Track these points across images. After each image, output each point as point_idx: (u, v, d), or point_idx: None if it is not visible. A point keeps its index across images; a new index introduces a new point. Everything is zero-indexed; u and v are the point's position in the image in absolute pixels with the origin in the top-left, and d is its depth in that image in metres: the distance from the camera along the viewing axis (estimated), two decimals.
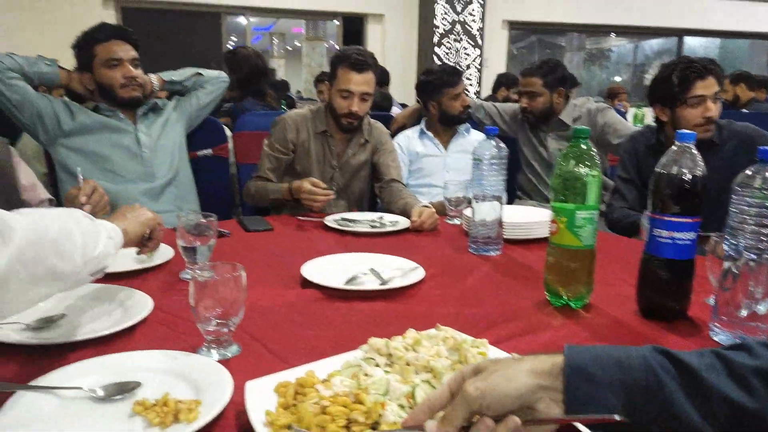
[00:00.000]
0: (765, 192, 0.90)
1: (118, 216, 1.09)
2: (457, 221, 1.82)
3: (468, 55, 6.92)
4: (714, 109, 1.84)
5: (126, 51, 1.96)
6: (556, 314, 1.06)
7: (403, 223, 1.75)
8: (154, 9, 6.36)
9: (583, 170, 1.07)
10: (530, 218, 1.64)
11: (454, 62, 6.84)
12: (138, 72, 2.00)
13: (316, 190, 1.83)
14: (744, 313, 0.92)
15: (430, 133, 2.62)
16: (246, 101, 3.05)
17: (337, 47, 7.54)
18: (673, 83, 1.85)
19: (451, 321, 0.91)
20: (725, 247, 1.02)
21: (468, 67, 6.92)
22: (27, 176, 1.61)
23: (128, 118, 2.03)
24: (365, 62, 1.99)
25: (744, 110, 4.46)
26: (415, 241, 1.62)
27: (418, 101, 2.81)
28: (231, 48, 3.23)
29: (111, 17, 6.03)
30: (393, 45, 7.11)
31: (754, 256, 0.90)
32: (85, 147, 1.95)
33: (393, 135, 2.59)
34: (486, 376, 0.57)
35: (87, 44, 1.95)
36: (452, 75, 2.59)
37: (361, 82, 1.99)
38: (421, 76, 2.68)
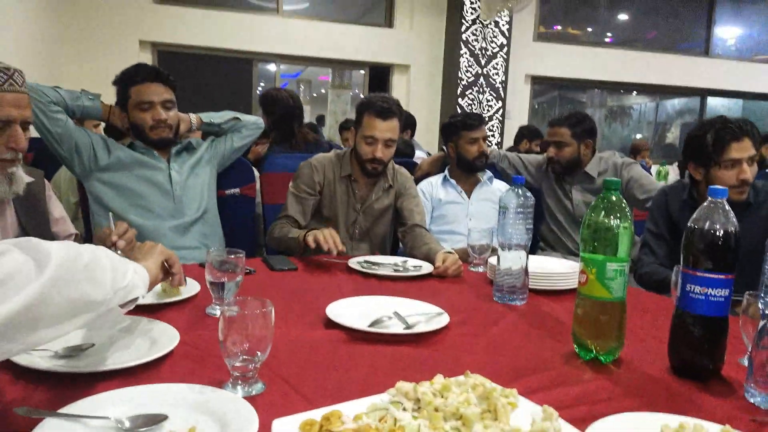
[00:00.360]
0: None
1: (132, 260, 1.10)
2: (480, 269, 1.81)
3: (491, 107, 7.03)
4: (749, 172, 1.82)
5: (159, 93, 2.01)
6: (585, 368, 1.04)
7: (426, 267, 1.75)
8: (189, 54, 6.60)
9: (614, 221, 1.07)
10: (556, 269, 1.63)
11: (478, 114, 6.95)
12: (170, 114, 2.04)
13: (336, 240, 1.75)
14: None
15: (453, 181, 2.65)
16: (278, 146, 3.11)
17: (362, 95, 7.71)
18: (707, 143, 1.84)
19: (478, 369, 0.90)
20: (760, 305, 1.00)
21: (490, 118, 7.02)
22: (58, 209, 1.65)
23: (162, 156, 2.08)
24: (390, 110, 2.04)
25: None
26: (439, 286, 1.61)
27: (441, 149, 2.85)
28: (265, 91, 3.30)
29: (147, 59, 6.26)
30: (417, 95, 7.26)
31: None
32: (119, 182, 2.00)
33: (417, 182, 2.62)
34: None
35: (124, 84, 2.02)
36: (473, 119, 2.65)
37: (385, 128, 2.03)
38: (442, 125, 2.74)
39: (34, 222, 1.50)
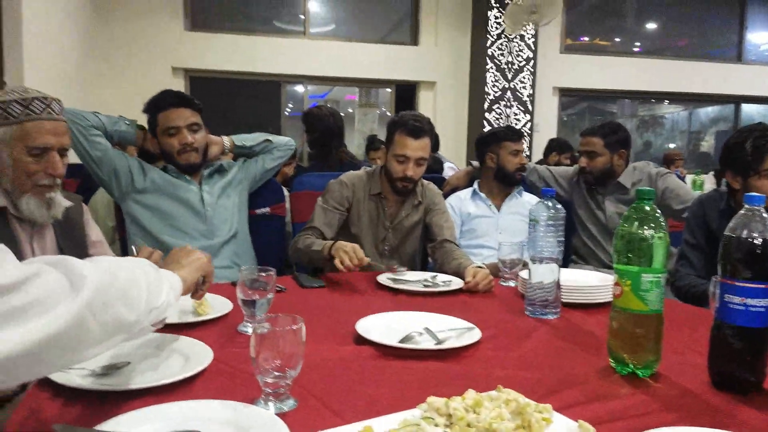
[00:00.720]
0: None
1: (173, 261, 1.09)
2: (511, 283, 1.79)
3: (518, 120, 6.99)
4: None
5: (185, 117, 2.05)
6: (622, 382, 1.01)
7: (456, 283, 1.74)
8: (219, 78, 6.76)
9: (647, 232, 1.05)
10: (589, 282, 1.60)
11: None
12: (197, 137, 2.08)
13: (360, 255, 1.71)
14: None
15: (482, 194, 2.63)
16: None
17: (388, 113, 7.77)
18: (746, 152, 1.79)
19: (510, 384, 0.88)
20: None
21: (524, 129, 6.99)
22: (95, 232, 1.69)
23: (194, 178, 2.13)
24: (422, 128, 2.04)
25: None
26: (469, 301, 1.60)
27: (469, 164, 2.84)
28: (308, 109, 3.34)
29: (179, 84, 6.44)
30: (444, 111, 7.27)
31: None
32: (154, 204, 2.05)
33: (445, 197, 2.61)
34: None
35: (152, 112, 2.08)
36: (515, 132, 2.65)
37: (417, 147, 2.03)
38: (484, 132, 2.73)
39: (72, 245, 1.55)
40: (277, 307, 1.33)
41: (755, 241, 0.94)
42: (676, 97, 8.35)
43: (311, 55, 6.89)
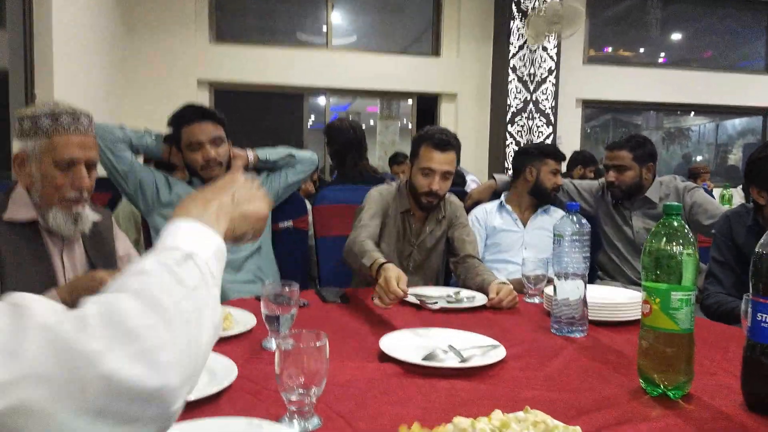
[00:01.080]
0: None
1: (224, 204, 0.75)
2: (537, 300, 1.77)
3: (541, 133, 6.94)
4: None
5: (207, 132, 2.06)
6: (653, 404, 0.99)
7: (480, 299, 1.72)
8: (243, 91, 6.85)
9: (676, 248, 1.03)
10: (617, 299, 1.57)
11: (527, 140, 6.87)
12: (220, 151, 2.08)
13: (395, 290, 1.50)
14: None
15: (509, 207, 2.60)
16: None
17: (410, 125, 7.78)
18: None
19: (537, 404, 0.87)
20: None
21: (531, 143, 6.94)
22: (124, 246, 1.71)
23: None
24: (448, 142, 2.02)
25: None
26: (494, 318, 1.58)
27: (492, 177, 2.82)
28: (330, 121, 3.35)
29: (204, 97, 6.54)
30: (465, 122, 7.25)
31: None
32: None
33: (467, 210, 2.59)
34: None
35: (176, 125, 2.10)
36: (559, 152, 2.61)
37: (443, 161, 2.01)
38: (528, 144, 2.71)
39: (101, 258, 1.57)
40: (300, 323, 1.33)
41: None
42: (702, 109, 8.21)
43: (333, 66, 6.94)
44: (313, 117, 7.64)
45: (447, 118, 7.36)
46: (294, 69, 6.82)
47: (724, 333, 1.45)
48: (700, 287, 2.02)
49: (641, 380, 1.05)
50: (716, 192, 5.51)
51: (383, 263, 1.62)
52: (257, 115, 6.92)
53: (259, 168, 2.34)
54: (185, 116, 2.08)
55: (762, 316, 0.94)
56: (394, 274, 1.53)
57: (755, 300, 0.95)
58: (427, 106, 7.56)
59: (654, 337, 1.03)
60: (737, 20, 8.10)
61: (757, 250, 0.95)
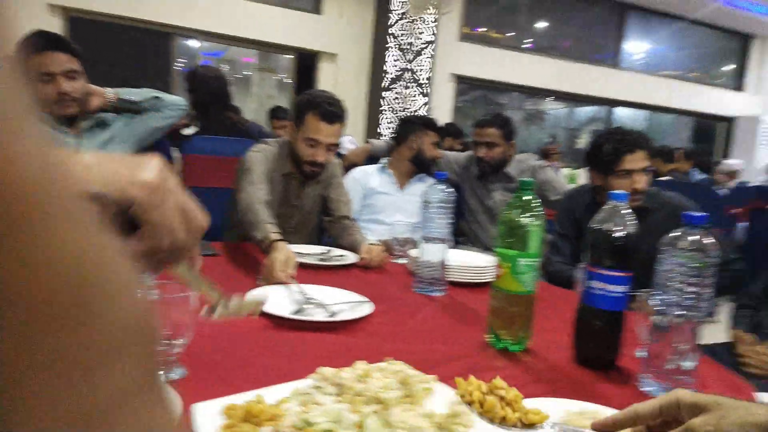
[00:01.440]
0: (689, 253, 0.99)
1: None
2: (403, 261, 1.86)
3: (416, 102, 7.14)
4: (642, 182, 1.97)
5: (60, 63, 1.87)
6: (498, 356, 1.10)
7: (350, 257, 1.77)
8: (103, 21, 6.22)
9: (526, 220, 1.14)
10: (474, 263, 1.70)
11: (402, 108, 7.04)
12: (75, 85, 1.90)
13: (278, 278, 1.40)
14: (671, 366, 0.99)
15: (390, 172, 2.68)
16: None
17: (289, 81, 7.59)
18: (605, 154, 1.98)
19: (398, 356, 0.93)
20: (654, 303, 1.10)
21: (418, 113, 7.14)
22: None
23: (71, 131, 1.97)
24: (336, 114, 1.95)
25: (666, 178, 4.82)
26: (362, 276, 1.64)
27: (368, 141, 2.88)
28: (190, 68, 3.12)
29: (57, 26, 5.84)
30: (344, 84, 7.24)
31: (679, 313, 0.98)
32: None
33: (345, 170, 2.64)
34: (717, 422, 0.60)
35: (22, 54, 1.87)
36: (441, 128, 2.76)
37: (330, 133, 1.96)
38: (409, 116, 2.83)
39: None
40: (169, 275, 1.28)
41: (616, 234, 1.05)
42: (558, 95, 8.94)
43: (207, 8, 6.53)
44: (183, 61, 7.15)
45: (326, 78, 7.29)
46: (162, 5, 6.30)
47: (561, 296, 1.64)
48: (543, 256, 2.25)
49: (489, 335, 1.16)
50: (564, 172, 6.08)
51: (274, 240, 1.54)
52: (118, 52, 6.32)
53: (120, 109, 2.16)
54: (34, 43, 1.86)
55: (592, 283, 1.08)
56: (282, 257, 1.46)
57: (588, 269, 1.09)
58: (308, 63, 7.42)
59: (502, 297, 1.15)
60: (593, 15, 8.83)
61: (592, 225, 1.09)
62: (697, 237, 0.98)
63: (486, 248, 2.67)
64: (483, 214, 2.74)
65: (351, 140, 4.60)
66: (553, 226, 2.28)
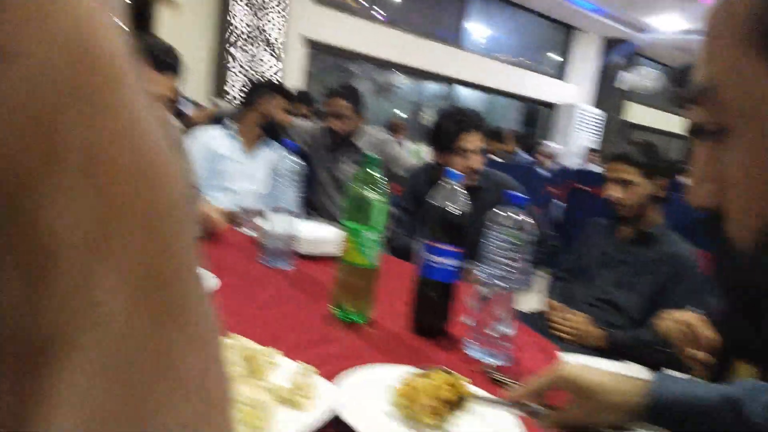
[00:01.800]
0: (511, 229, 1.11)
1: None
2: (250, 232, 1.82)
3: (266, 65, 6.92)
4: (477, 161, 2.13)
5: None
6: (342, 328, 1.14)
7: None
8: None
9: (371, 194, 1.19)
10: (322, 235, 1.73)
11: (254, 70, 6.78)
12: None
13: None
14: (492, 332, 1.11)
15: (237, 136, 2.57)
16: None
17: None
18: (444, 132, 2.12)
19: (242, 331, 0.93)
20: (479, 275, 1.21)
21: (268, 78, 6.92)
22: None
23: None
24: (167, 63, 1.80)
25: (495, 158, 5.25)
26: (206, 249, 1.58)
27: (213, 102, 2.74)
28: None
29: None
30: (187, 36, 6.76)
31: (501, 284, 1.10)
32: None
33: (188, 132, 2.50)
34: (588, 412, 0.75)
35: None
36: (290, 91, 2.68)
37: (160, 83, 1.79)
38: (260, 80, 2.73)
39: None
40: None
41: (451, 211, 1.14)
42: (407, 71, 9.22)
43: None
44: None
45: (166, 27, 6.75)
46: None
47: (402, 269, 1.73)
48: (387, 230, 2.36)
49: (334, 307, 1.20)
50: (410, 147, 6.35)
51: None
52: None
53: None
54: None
55: (430, 257, 1.16)
56: None
57: (426, 244, 1.17)
58: (145, 9, 6.79)
59: (348, 270, 1.19)
60: None
61: (429, 202, 1.17)
62: (517, 216, 1.10)
63: (335, 220, 2.71)
64: (332, 187, 2.78)
65: (192, 102, 4.35)
66: (398, 200, 2.39)
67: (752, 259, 0.32)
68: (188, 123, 2.69)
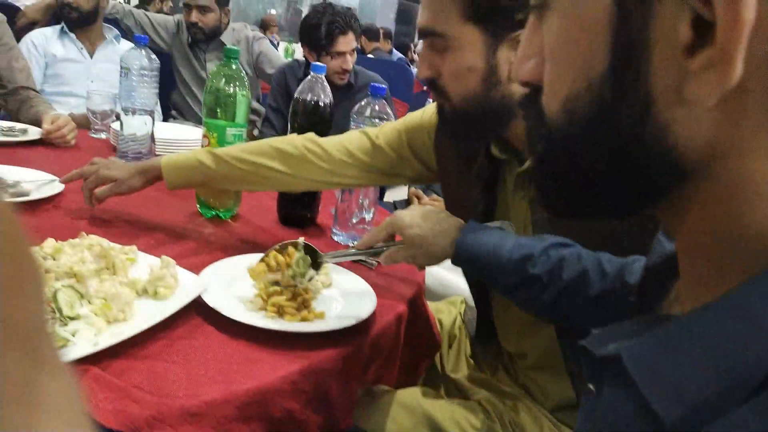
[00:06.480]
0: (373, 121, 1.13)
1: None
2: (103, 135, 1.70)
3: None
4: (350, 61, 2.14)
5: None
6: (206, 224, 1.14)
7: (33, 132, 1.55)
8: None
9: (232, 89, 1.15)
10: (182, 135, 1.65)
11: None
12: None
13: None
14: (355, 219, 1.15)
15: (72, 35, 2.29)
16: None
17: None
18: (320, 34, 2.06)
19: (95, 231, 0.90)
20: None
21: None
22: None
23: None
24: None
25: (369, 56, 5.19)
26: (51, 154, 1.46)
27: None
28: None
29: None
30: None
31: None
32: None
33: (22, 31, 2.20)
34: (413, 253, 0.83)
35: None
36: None
37: None
38: None
39: None
40: None
41: (318, 103, 1.14)
42: None
43: None
44: None
45: None
46: None
47: None
48: (259, 129, 2.30)
49: (198, 206, 1.18)
50: (282, 45, 6.07)
51: None
52: None
53: None
54: None
55: None
56: None
57: None
58: None
59: None
60: None
61: (295, 96, 1.15)
62: (377, 107, 1.12)
63: (199, 121, 2.59)
64: (197, 86, 2.62)
65: None
66: (267, 99, 2.32)
67: (557, 129, 0.35)
68: (21, 19, 2.35)
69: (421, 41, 0.86)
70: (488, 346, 1.03)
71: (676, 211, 0.33)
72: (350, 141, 1.02)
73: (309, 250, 0.85)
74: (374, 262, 1.02)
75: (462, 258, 0.79)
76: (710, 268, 0.33)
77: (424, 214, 0.82)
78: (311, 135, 1.04)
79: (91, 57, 2.31)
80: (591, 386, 0.37)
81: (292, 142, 1.02)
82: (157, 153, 1.47)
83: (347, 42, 2.09)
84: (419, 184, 1.99)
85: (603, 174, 0.34)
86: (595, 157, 0.34)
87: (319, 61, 2.08)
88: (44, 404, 0.23)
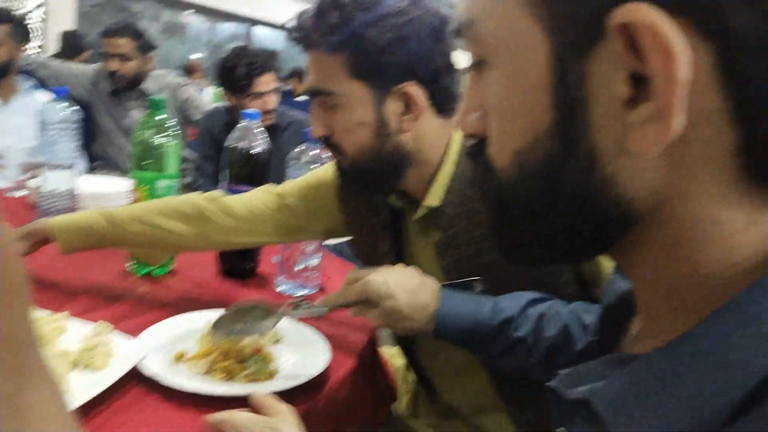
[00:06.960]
0: (309, 164, 1.12)
1: None
2: (21, 193, 1.59)
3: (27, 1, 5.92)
4: (271, 102, 2.12)
5: None
6: (140, 282, 1.07)
7: None
8: None
9: (162, 139, 1.11)
10: (107, 189, 1.58)
11: (8, 7, 5.75)
12: None
13: None
14: (300, 266, 1.13)
15: None
16: None
17: None
18: (237, 77, 2.05)
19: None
20: None
21: (28, 16, 5.92)
22: None
23: None
24: None
25: (299, 99, 5.20)
26: None
27: None
28: None
29: None
30: None
31: None
32: None
33: None
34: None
35: None
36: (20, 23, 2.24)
37: None
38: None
39: None
40: None
41: (251, 152, 1.11)
42: (198, 9, 8.59)
43: None
44: None
45: None
46: None
47: None
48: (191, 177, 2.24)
49: (130, 264, 1.12)
50: (209, 90, 5.99)
51: None
52: None
53: None
54: None
55: None
56: None
57: (229, 187, 1.13)
58: None
59: None
60: None
61: (226, 144, 1.12)
62: (316, 152, 1.12)
63: (125, 172, 2.49)
64: (120, 136, 2.52)
65: None
66: (196, 146, 2.27)
67: (507, 181, 0.35)
68: None
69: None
70: (434, 395, 1.01)
71: (628, 254, 0.34)
72: (257, 197, 1.00)
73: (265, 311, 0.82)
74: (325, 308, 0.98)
75: (443, 335, 0.76)
76: (665, 307, 0.34)
77: (398, 281, 0.76)
78: (214, 193, 1.01)
79: (6, 108, 2.18)
80: (562, 429, 0.37)
81: (190, 200, 0.99)
82: (81, 208, 1.40)
83: (266, 82, 2.08)
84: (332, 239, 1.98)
85: (555, 223, 0.34)
86: (546, 208, 0.34)
87: (240, 103, 2.06)
88: (32, 412, 0.26)
